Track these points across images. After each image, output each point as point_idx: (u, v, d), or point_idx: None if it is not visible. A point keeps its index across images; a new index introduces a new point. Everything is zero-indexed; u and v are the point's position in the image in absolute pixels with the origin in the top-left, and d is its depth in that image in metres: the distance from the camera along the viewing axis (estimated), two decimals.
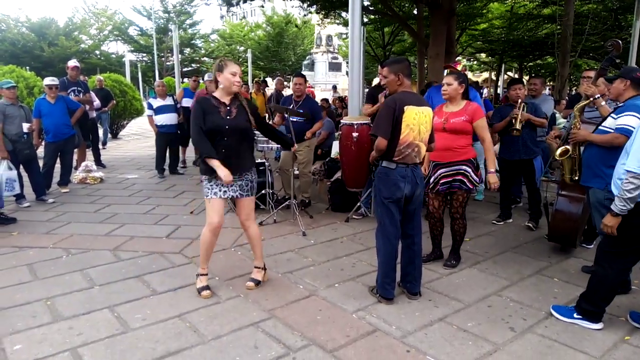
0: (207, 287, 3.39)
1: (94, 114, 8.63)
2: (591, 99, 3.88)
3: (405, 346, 2.74)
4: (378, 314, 3.12)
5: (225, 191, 3.29)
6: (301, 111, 5.37)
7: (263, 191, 5.49)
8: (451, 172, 3.74)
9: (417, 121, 3.16)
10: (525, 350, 2.70)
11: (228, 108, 3.27)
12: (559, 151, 3.86)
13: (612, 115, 3.32)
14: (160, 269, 3.85)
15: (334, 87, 20.85)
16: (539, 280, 3.71)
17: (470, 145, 3.80)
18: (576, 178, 3.83)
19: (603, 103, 3.83)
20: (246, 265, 3.93)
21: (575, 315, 3.00)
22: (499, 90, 23.99)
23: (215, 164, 3.17)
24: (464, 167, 3.72)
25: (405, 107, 3.13)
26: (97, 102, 8.64)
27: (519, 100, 4.85)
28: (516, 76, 32.91)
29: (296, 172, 5.94)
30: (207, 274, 3.45)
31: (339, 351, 2.67)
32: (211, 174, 3.24)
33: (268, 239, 4.61)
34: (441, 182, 3.77)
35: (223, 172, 3.17)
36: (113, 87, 12.33)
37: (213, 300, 3.29)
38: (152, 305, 3.21)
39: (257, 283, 3.52)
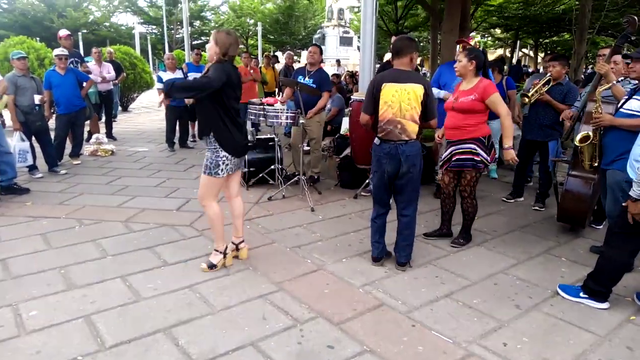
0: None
1: (110, 86, 8.61)
2: (608, 85, 3.67)
3: (410, 321, 2.78)
4: (385, 288, 3.16)
5: None
6: (314, 86, 5.32)
7: (272, 166, 5.51)
8: (462, 150, 3.72)
9: (396, 98, 3.22)
10: (530, 328, 2.73)
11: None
12: (578, 137, 3.69)
13: (638, 98, 3.16)
14: (171, 240, 3.91)
15: (338, 62, 20.44)
16: (547, 259, 3.71)
17: (483, 123, 3.71)
18: (595, 164, 3.68)
19: (615, 82, 3.72)
20: (255, 239, 3.98)
21: (581, 294, 3.01)
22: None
23: None
24: (472, 145, 3.68)
25: (383, 85, 3.27)
26: (112, 74, 8.58)
27: (547, 76, 4.71)
28: (531, 53, 32.19)
29: (306, 148, 5.94)
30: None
31: (346, 324, 2.72)
32: None
33: (277, 213, 4.65)
34: (454, 159, 3.76)
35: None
36: (123, 59, 12.29)
37: (222, 273, 3.34)
38: (164, 276, 3.27)
39: (212, 267, 3.36)
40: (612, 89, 3.65)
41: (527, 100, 4.76)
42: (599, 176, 3.94)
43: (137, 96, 14.15)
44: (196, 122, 8.56)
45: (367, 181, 5.34)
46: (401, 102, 3.22)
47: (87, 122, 7.46)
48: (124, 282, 3.18)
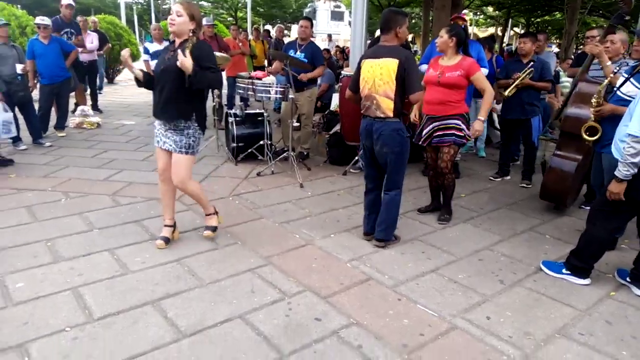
0: (162, 238, 3.29)
1: (95, 57, 8.39)
2: (610, 76, 3.55)
3: (397, 295, 2.82)
4: (372, 263, 3.20)
5: (165, 142, 3.14)
6: (305, 61, 5.23)
7: (261, 142, 5.47)
8: (444, 126, 3.74)
9: (371, 74, 3.24)
10: (513, 302, 2.79)
11: (173, 51, 3.02)
12: (584, 128, 3.45)
13: (633, 82, 3.06)
14: (158, 214, 3.87)
15: (330, 36, 20.13)
16: (531, 236, 3.78)
17: (464, 100, 3.78)
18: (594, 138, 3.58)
19: (609, 63, 3.71)
20: (243, 213, 3.98)
21: (564, 270, 3.08)
22: (504, 46, 23.40)
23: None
24: (456, 120, 3.73)
25: (363, 61, 3.32)
26: (95, 44, 8.34)
27: (529, 68, 4.76)
28: (522, 32, 32.06)
29: (295, 124, 5.89)
30: (169, 225, 3.35)
31: (333, 297, 2.76)
32: (155, 116, 3.18)
33: (265, 189, 4.64)
34: (434, 135, 3.77)
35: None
36: (108, 29, 11.96)
37: (211, 246, 3.35)
38: (151, 250, 3.26)
39: (214, 229, 3.45)
40: (605, 69, 3.64)
41: (505, 95, 4.80)
42: (585, 157, 3.98)
43: (123, 68, 13.82)
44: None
45: (356, 158, 5.34)
46: (375, 77, 3.21)
47: (73, 93, 7.30)
48: (112, 255, 3.17)
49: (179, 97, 3.02)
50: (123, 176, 4.87)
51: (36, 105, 6.12)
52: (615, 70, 3.51)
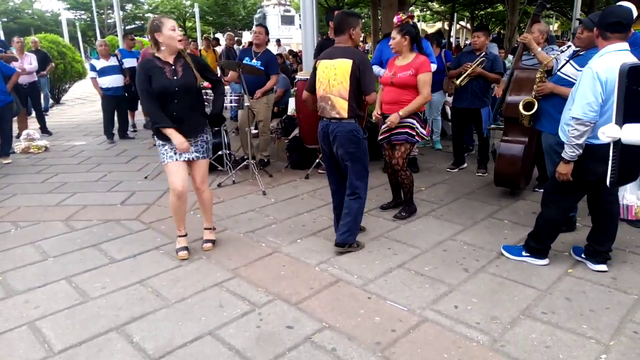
0: (184, 248, 3.37)
1: (35, 78, 8.04)
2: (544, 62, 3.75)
3: (366, 293, 2.84)
4: (340, 265, 3.20)
5: (181, 154, 3.20)
6: (257, 66, 5.19)
7: (220, 152, 5.38)
8: (399, 124, 3.77)
9: (325, 74, 3.26)
10: (479, 289, 2.87)
11: (173, 67, 3.09)
12: (522, 104, 3.67)
13: (573, 64, 3.30)
14: (117, 236, 3.76)
15: (278, 41, 20.09)
16: (491, 223, 3.90)
17: None
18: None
19: (539, 49, 3.90)
20: None
21: (523, 253, 3.19)
22: (452, 40, 24.12)
23: (170, 132, 3.06)
24: (410, 119, 3.74)
25: (318, 62, 3.34)
26: (33, 65, 8.00)
27: (480, 57, 4.92)
28: (468, 26, 33.16)
29: (254, 131, 5.84)
30: (185, 235, 3.43)
31: (303, 303, 2.74)
32: (165, 139, 3.14)
33: (228, 199, 4.57)
34: (390, 133, 3.81)
35: (178, 139, 3.08)
36: (50, 48, 11.49)
37: (175, 264, 3.26)
38: (112, 273, 3.15)
39: (214, 242, 3.54)
40: (537, 55, 3.84)
41: (457, 84, 4.95)
42: (530, 139, 4.16)
43: (69, 87, 13.33)
44: (136, 112, 8.23)
45: (317, 160, 5.34)
46: (329, 78, 3.23)
47: (15, 118, 6.96)
48: (69, 283, 3.03)
49: (199, 108, 3.27)
50: (76, 199, 4.67)
51: None
52: (553, 56, 3.72)
